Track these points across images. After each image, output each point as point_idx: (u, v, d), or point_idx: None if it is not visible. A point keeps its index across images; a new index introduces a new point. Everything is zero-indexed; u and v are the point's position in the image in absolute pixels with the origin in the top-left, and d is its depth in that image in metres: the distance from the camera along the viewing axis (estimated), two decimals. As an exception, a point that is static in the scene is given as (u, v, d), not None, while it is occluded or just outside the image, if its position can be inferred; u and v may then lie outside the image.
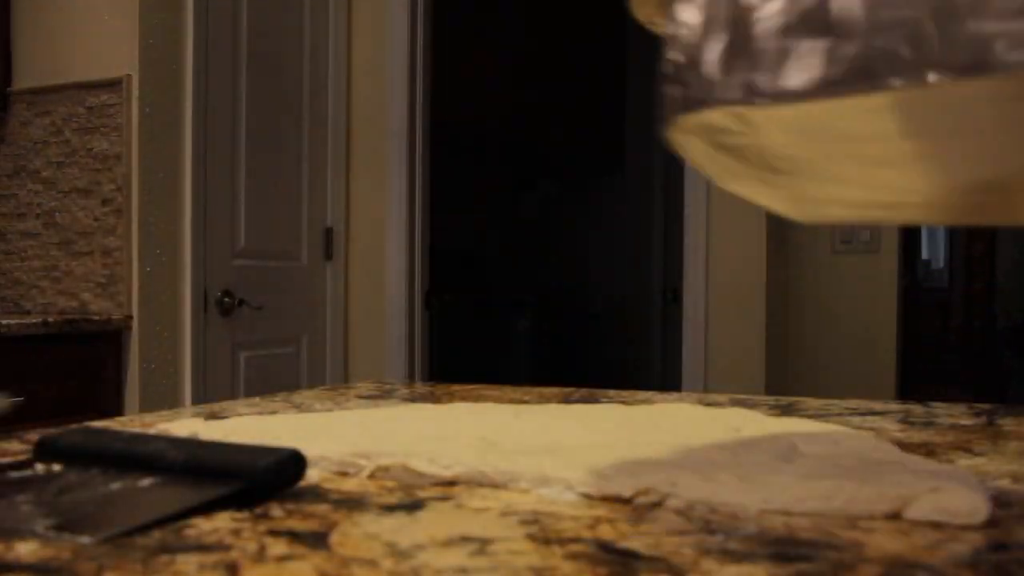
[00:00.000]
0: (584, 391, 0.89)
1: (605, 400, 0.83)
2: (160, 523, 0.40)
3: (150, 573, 0.35)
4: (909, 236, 3.40)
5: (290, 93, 2.69)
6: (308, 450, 0.54)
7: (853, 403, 0.81)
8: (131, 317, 2.22)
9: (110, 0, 2.25)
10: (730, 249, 2.48)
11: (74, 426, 0.60)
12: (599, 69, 4.81)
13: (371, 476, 0.51)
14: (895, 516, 0.42)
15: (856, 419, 0.72)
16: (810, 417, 0.71)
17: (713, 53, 0.27)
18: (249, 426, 0.64)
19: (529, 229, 5.19)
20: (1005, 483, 0.49)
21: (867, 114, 0.27)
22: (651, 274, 5.06)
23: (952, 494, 0.41)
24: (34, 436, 0.57)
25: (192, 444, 0.49)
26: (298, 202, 2.72)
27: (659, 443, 0.56)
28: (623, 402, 0.79)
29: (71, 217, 2.29)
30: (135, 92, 2.23)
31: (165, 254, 2.31)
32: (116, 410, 2.16)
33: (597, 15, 4.77)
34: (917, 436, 0.65)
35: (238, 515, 0.43)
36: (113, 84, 2.24)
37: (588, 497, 0.46)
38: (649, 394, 0.88)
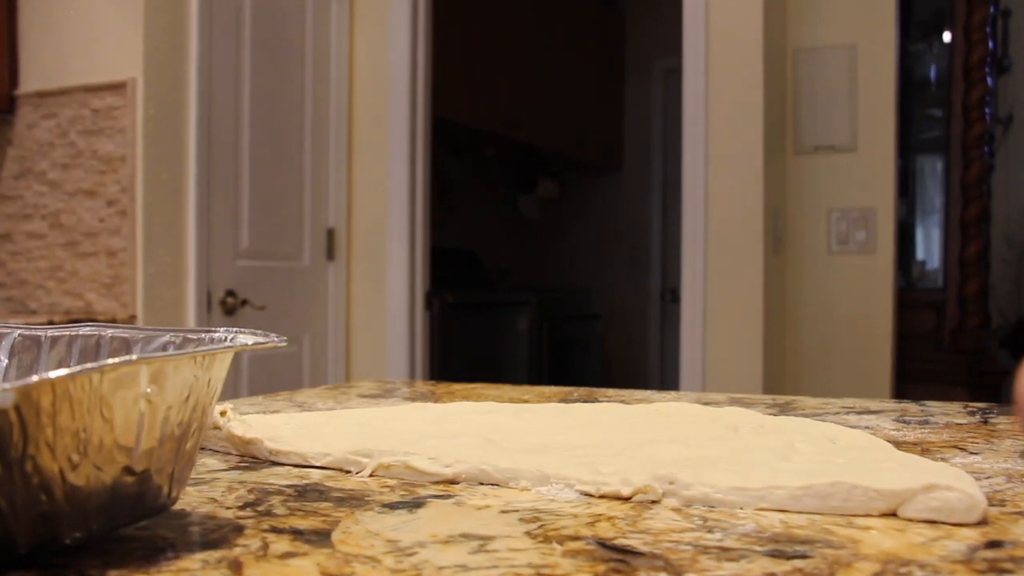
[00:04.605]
0: (584, 391, 0.90)
1: (605, 400, 0.84)
2: None
3: (154, 570, 0.35)
4: (904, 237, 3.41)
5: (293, 96, 2.69)
6: (311, 448, 0.55)
7: (849, 402, 0.82)
8: (135, 317, 2.23)
9: (115, 4, 2.26)
10: (728, 250, 2.48)
11: None
12: (599, 69, 4.81)
13: (373, 474, 0.52)
14: (891, 514, 0.42)
15: (852, 418, 0.72)
16: (807, 416, 0.71)
17: None
18: (252, 425, 0.64)
19: (529, 229, 5.19)
20: (999, 481, 0.50)
21: None
22: (650, 275, 5.07)
23: (947, 492, 0.41)
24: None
25: None
26: (300, 203, 2.73)
27: (658, 442, 0.57)
28: (622, 402, 0.80)
29: (76, 218, 2.30)
30: (140, 95, 2.23)
31: (169, 255, 2.31)
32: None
33: (597, 14, 4.77)
34: (912, 435, 0.65)
35: (241, 513, 0.44)
36: (118, 87, 2.24)
37: (587, 495, 0.47)
38: (648, 393, 0.89)
